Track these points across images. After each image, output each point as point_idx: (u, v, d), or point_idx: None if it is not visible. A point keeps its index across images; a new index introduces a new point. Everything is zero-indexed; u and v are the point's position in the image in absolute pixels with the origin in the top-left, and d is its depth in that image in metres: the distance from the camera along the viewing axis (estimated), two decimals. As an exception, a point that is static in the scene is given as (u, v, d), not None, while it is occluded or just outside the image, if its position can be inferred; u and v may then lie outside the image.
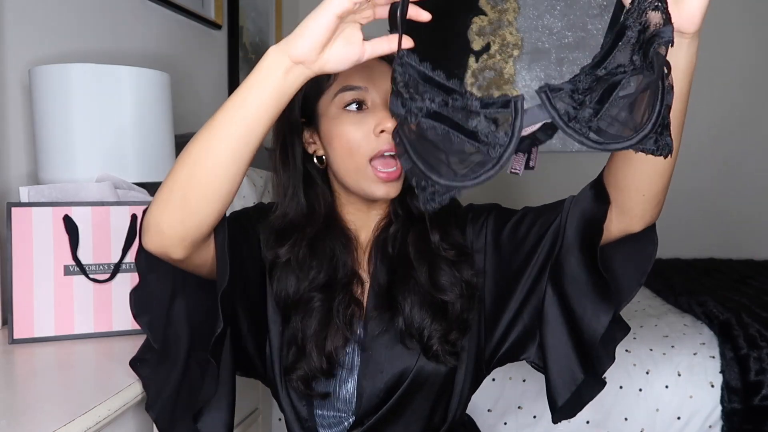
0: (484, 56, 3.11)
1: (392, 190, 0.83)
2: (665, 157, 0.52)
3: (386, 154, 0.82)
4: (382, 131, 0.81)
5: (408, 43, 0.61)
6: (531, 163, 0.54)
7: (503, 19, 3.08)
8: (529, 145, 0.54)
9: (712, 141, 2.97)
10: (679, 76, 0.63)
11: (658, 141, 0.51)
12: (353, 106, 0.83)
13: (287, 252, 0.86)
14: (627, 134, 0.50)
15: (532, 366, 0.89)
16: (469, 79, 3.12)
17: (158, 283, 0.77)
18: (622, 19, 0.53)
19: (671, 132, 0.67)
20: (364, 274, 0.90)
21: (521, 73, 3.08)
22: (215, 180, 0.67)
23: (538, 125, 0.51)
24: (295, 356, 0.85)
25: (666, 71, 0.52)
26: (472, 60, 3.11)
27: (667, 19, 0.52)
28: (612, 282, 0.81)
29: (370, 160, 0.82)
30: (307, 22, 0.62)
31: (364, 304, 0.88)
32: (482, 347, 0.90)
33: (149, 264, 0.75)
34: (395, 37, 0.61)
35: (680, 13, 0.59)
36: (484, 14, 3.09)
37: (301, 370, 0.84)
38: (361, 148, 0.82)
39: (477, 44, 3.12)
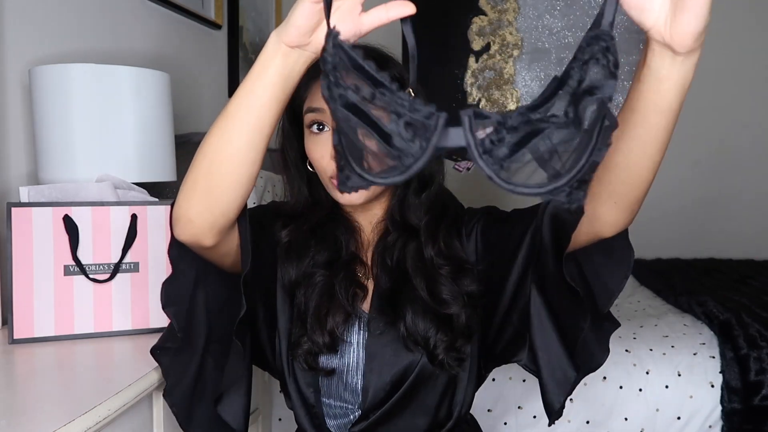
0: (484, 56, 3.11)
1: (354, 199, 0.86)
2: (573, 209, 0.50)
3: None
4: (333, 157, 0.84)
5: (409, 9, 0.59)
6: (469, 167, 0.54)
7: (503, 19, 3.08)
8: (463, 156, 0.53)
9: (712, 141, 2.97)
10: (671, 91, 0.58)
11: (571, 195, 0.48)
12: (314, 128, 0.87)
13: (288, 234, 0.90)
14: (539, 181, 0.48)
15: (525, 369, 0.88)
16: (469, 79, 3.12)
17: (186, 272, 0.80)
18: (567, 65, 0.49)
19: (644, 152, 0.63)
20: (368, 269, 0.92)
21: (521, 73, 3.08)
22: (235, 167, 0.70)
23: (460, 143, 0.49)
24: (299, 331, 0.87)
25: (603, 125, 0.48)
26: (472, 60, 3.11)
27: (610, 75, 0.47)
28: (590, 287, 0.79)
29: (331, 177, 0.86)
30: (293, 9, 0.62)
31: (369, 300, 0.90)
32: (481, 348, 0.91)
33: (180, 253, 0.79)
34: (394, 3, 0.60)
35: (672, 33, 0.54)
36: (484, 14, 3.09)
37: (306, 344, 0.86)
38: (321, 167, 0.87)
39: (477, 44, 3.12)
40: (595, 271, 0.78)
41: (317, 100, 0.85)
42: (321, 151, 0.86)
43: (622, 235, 0.74)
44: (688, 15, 0.51)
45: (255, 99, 0.67)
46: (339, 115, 0.51)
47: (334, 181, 0.85)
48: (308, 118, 0.87)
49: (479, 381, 0.94)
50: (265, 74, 0.66)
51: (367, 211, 0.93)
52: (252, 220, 0.82)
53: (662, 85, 0.58)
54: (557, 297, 0.81)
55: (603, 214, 0.71)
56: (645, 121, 0.61)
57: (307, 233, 0.90)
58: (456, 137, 0.47)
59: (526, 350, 0.86)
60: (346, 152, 0.52)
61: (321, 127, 0.86)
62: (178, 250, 0.78)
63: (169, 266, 1.11)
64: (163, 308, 0.79)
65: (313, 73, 0.85)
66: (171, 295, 0.79)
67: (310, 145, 0.88)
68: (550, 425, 0.86)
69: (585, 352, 0.83)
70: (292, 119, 0.91)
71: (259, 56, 0.66)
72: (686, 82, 0.58)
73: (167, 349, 0.81)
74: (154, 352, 0.81)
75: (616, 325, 0.84)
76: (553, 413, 0.84)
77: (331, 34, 0.52)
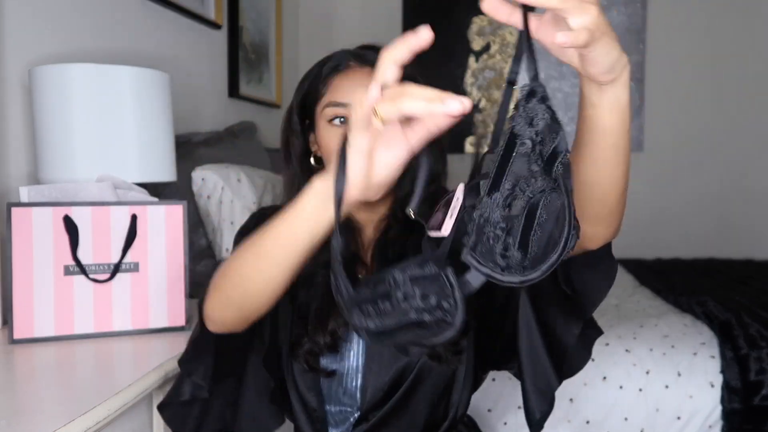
0: (484, 56, 3.11)
1: (370, 196, 0.84)
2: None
3: None
4: None
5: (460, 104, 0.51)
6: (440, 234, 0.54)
7: (503, 19, 3.08)
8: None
9: (712, 141, 2.97)
10: (606, 115, 0.59)
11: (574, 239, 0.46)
12: (337, 121, 0.86)
13: None
14: (550, 252, 0.45)
15: (516, 378, 0.87)
16: (469, 79, 3.12)
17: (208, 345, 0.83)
18: (508, 127, 0.47)
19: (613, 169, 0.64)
20: (369, 270, 0.91)
21: (521, 73, 3.08)
22: (268, 291, 0.69)
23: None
24: (301, 330, 0.87)
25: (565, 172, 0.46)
26: (472, 60, 3.11)
27: (559, 126, 0.45)
28: (578, 294, 0.79)
29: None
30: (348, 163, 0.56)
31: None
32: (476, 350, 0.91)
33: (206, 338, 0.81)
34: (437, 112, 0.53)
35: (584, 70, 0.55)
36: (484, 14, 3.09)
37: (306, 344, 0.86)
38: None
39: (477, 44, 3.11)
40: (582, 280, 0.79)
41: (340, 95, 0.86)
42: None
43: (606, 249, 0.76)
44: (591, 66, 0.54)
45: (298, 242, 0.63)
46: (375, 340, 0.51)
47: None
48: (330, 111, 0.86)
49: (476, 383, 0.94)
50: (314, 222, 0.61)
51: (370, 210, 0.93)
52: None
53: (596, 110, 0.59)
54: (548, 306, 0.81)
55: (585, 231, 0.72)
56: (593, 141, 0.62)
57: None
58: (475, 279, 0.46)
59: (517, 359, 0.86)
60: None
61: (344, 120, 0.86)
62: (204, 336, 0.80)
63: (169, 267, 1.11)
64: (189, 376, 0.82)
65: (332, 68, 0.87)
66: (193, 369, 0.82)
67: (330, 137, 0.86)
68: None
69: (569, 359, 0.83)
70: (301, 113, 0.91)
71: (304, 203, 0.61)
72: (619, 106, 0.59)
73: (169, 405, 0.84)
74: (162, 408, 0.84)
75: (599, 332, 0.85)
76: (534, 423, 0.82)
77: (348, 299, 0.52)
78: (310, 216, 0.62)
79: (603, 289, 0.78)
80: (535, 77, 0.47)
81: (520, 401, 1.60)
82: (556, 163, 0.45)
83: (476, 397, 0.95)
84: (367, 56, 0.88)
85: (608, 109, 0.59)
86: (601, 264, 0.77)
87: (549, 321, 0.81)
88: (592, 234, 0.71)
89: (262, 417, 0.89)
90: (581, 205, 0.68)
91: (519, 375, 0.85)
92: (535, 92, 0.47)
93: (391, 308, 0.49)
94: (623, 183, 0.66)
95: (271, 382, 0.85)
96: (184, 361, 0.83)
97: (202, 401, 0.85)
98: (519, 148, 0.46)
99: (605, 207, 0.68)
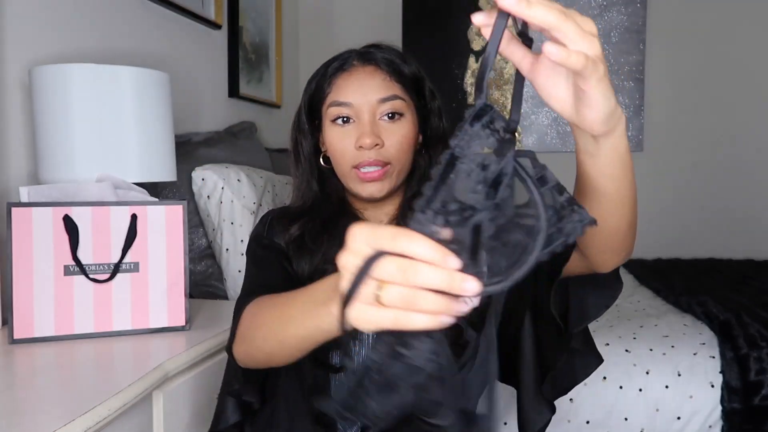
0: (484, 56, 3.11)
1: (376, 190, 0.87)
2: (582, 233, 0.43)
3: (366, 168, 0.86)
4: (361, 146, 0.86)
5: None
6: None
7: (503, 19, 3.08)
8: None
9: (712, 141, 2.97)
10: (605, 163, 0.57)
11: (568, 225, 0.43)
12: (339, 120, 0.88)
13: (300, 227, 0.90)
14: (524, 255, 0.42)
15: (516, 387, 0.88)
16: (469, 79, 3.12)
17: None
18: (449, 147, 0.42)
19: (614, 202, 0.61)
20: None
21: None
22: (293, 359, 0.70)
23: None
24: None
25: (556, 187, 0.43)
26: (472, 60, 3.12)
27: (507, 148, 0.42)
28: (567, 309, 0.79)
29: (354, 167, 0.87)
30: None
31: None
32: None
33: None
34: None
35: (579, 120, 0.52)
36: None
37: None
38: (344, 157, 0.87)
39: (477, 44, 3.12)
40: (580, 297, 0.79)
41: (343, 94, 0.87)
42: (346, 142, 0.87)
43: (614, 272, 0.76)
44: (588, 109, 0.50)
45: (319, 341, 0.63)
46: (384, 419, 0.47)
47: (362, 173, 0.86)
48: (333, 111, 0.87)
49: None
50: (331, 334, 0.60)
51: (378, 208, 0.93)
52: (264, 247, 0.86)
53: (593, 159, 0.57)
54: (544, 327, 0.81)
55: (595, 263, 0.73)
56: (593, 188, 0.61)
57: (320, 227, 0.90)
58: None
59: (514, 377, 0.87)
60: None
61: (346, 119, 0.87)
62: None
63: (169, 267, 1.11)
64: (240, 397, 0.84)
65: (337, 67, 0.88)
66: (243, 391, 0.83)
67: (333, 136, 0.88)
68: None
69: (559, 380, 0.84)
70: (309, 113, 0.92)
71: (321, 320, 0.59)
72: (618, 155, 0.56)
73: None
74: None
75: (599, 360, 0.85)
76: None
77: None
78: (328, 331, 0.59)
79: (601, 308, 0.79)
80: (489, 105, 0.43)
81: (520, 401, 1.60)
82: (501, 186, 0.42)
83: (476, 397, 0.95)
84: (371, 55, 0.89)
85: (606, 159, 0.57)
86: (606, 285, 0.77)
87: (542, 342, 0.82)
88: (603, 262, 0.72)
89: None
90: (588, 240, 0.69)
91: (518, 391, 0.86)
92: (481, 116, 0.42)
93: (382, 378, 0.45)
94: (631, 218, 0.65)
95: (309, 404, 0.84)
96: (236, 390, 0.83)
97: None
98: (459, 167, 0.42)
99: (615, 241, 0.68)
